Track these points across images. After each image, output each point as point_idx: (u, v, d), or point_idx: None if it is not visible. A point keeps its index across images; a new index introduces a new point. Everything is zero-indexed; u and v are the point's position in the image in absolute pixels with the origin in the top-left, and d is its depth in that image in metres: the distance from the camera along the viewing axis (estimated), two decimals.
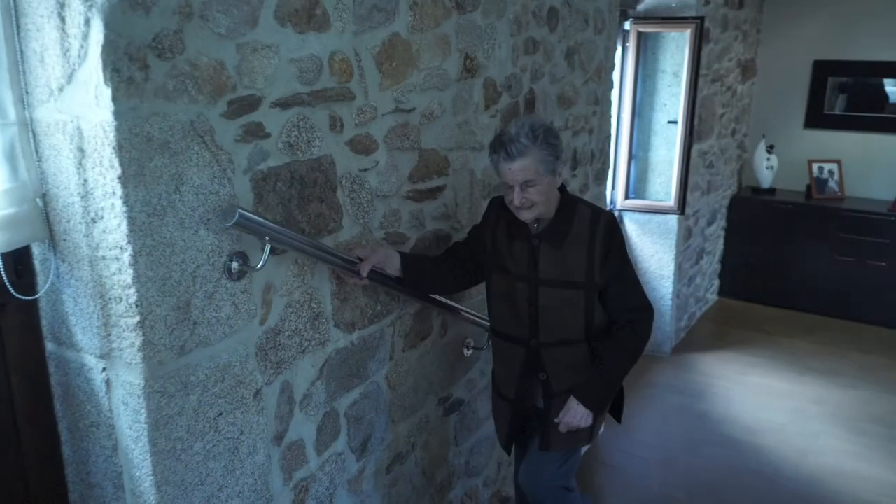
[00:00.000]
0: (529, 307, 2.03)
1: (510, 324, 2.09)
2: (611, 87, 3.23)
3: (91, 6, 1.17)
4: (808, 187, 5.35)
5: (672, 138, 4.28)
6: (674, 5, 4.15)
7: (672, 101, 4.27)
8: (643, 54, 4.22)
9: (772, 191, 5.45)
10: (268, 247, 1.47)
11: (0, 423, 1.45)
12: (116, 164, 1.23)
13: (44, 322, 1.46)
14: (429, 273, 2.02)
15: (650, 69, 4.30)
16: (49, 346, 1.47)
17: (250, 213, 1.43)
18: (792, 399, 4.02)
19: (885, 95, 5.20)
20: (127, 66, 1.22)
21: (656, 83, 4.30)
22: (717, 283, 5.57)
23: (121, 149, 1.23)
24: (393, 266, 1.90)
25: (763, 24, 5.49)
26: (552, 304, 2.01)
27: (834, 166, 5.35)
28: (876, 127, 5.20)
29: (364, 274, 1.76)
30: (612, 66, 3.20)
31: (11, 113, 1.29)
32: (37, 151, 1.33)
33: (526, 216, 1.95)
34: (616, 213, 4.29)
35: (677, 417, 3.82)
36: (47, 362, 1.48)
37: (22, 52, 1.28)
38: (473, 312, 2.35)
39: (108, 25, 1.18)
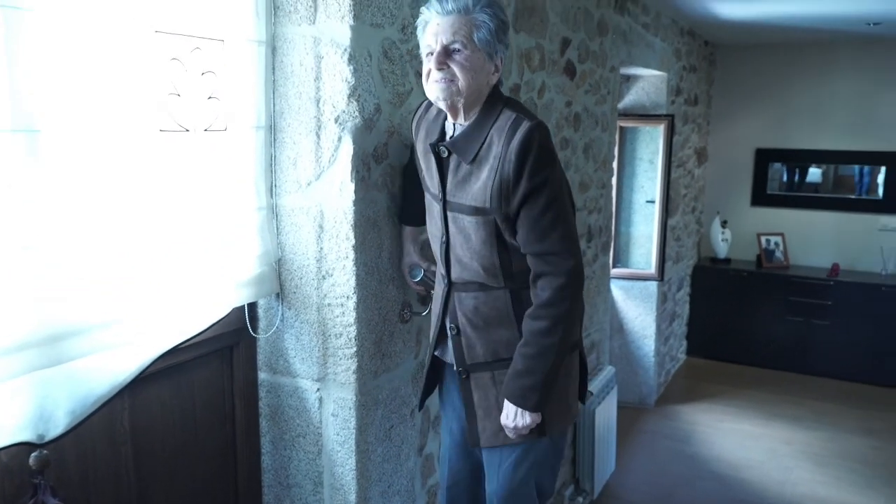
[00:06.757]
0: (441, 235, 1.73)
1: (435, 253, 1.81)
2: (612, 174, 3.88)
3: (343, 128, 1.71)
4: (759, 257, 6.11)
5: (649, 215, 4.97)
6: (647, 104, 4.92)
7: (648, 183, 4.98)
8: (624, 144, 4.94)
9: (727, 260, 6.19)
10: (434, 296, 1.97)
11: (225, 438, 1.88)
12: (352, 236, 1.73)
13: (260, 356, 1.91)
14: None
15: (629, 157, 5.02)
16: (262, 375, 1.92)
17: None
18: (764, 441, 4.61)
19: (810, 178, 6.11)
20: (360, 168, 1.74)
21: (635, 168, 5.02)
22: (685, 343, 6.21)
23: (356, 226, 1.74)
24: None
25: (711, 117, 6.37)
26: (460, 233, 1.68)
27: (779, 238, 6.14)
28: (810, 204, 6.06)
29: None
30: (613, 157, 3.87)
31: (264, 200, 1.79)
32: (277, 228, 1.83)
33: (437, 90, 1.59)
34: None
35: (670, 458, 4.34)
36: (258, 389, 1.93)
37: (275, 157, 1.79)
38: None
39: (355, 141, 1.71)
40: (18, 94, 1.21)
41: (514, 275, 1.69)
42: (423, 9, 1.61)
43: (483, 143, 1.61)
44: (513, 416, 1.69)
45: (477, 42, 1.56)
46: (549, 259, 1.63)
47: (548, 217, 1.61)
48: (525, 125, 1.58)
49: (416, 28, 1.65)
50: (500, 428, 1.75)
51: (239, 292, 1.73)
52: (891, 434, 4.70)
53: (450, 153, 1.66)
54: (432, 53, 1.58)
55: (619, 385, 4.31)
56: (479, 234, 1.65)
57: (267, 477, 1.96)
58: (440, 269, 1.79)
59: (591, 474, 3.52)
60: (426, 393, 1.94)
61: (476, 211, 1.64)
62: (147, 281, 1.48)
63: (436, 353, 1.87)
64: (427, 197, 1.78)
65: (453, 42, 1.55)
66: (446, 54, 1.56)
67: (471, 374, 1.77)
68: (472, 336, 1.75)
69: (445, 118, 1.70)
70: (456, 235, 1.70)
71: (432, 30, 1.57)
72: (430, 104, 1.76)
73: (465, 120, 1.66)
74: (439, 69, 1.56)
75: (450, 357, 1.82)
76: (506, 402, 1.70)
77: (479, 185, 1.62)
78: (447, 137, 1.70)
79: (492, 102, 1.64)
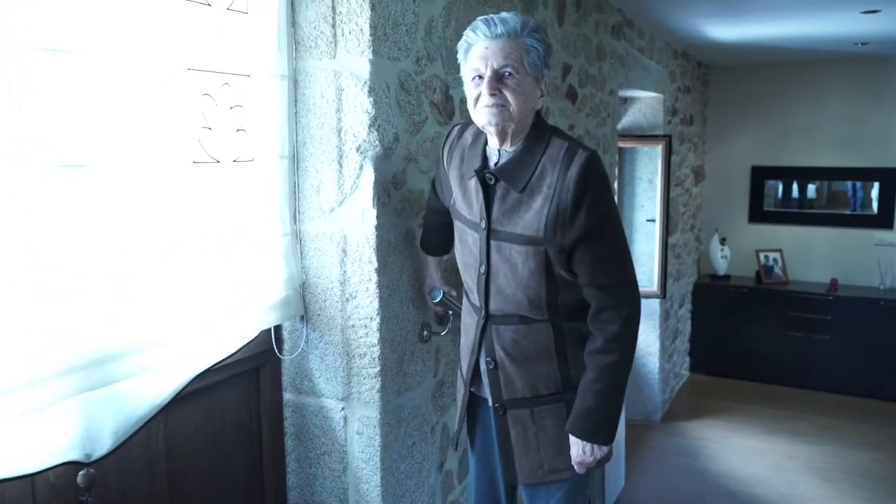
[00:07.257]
0: (480, 265, 1.67)
1: (468, 283, 1.75)
2: (613, 194, 3.97)
3: (364, 157, 1.79)
4: (758, 273, 6.19)
5: (650, 234, 5.06)
6: (644, 125, 5.03)
7: (648, 202, 5.07)
8: (623, 165, 5.04)
9: (727, 277, 6.27)
10: (452, 317, 2.04)
11: (252, 457, 1.94)
12: (374, 260, 1.81)
13: (284, 377, 1.97)
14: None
15: (629, 176, 5.12)
16: (287, 395, 1.98)
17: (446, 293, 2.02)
18: (770, 455, 4.66)
19: (806, 194, 6.21)
20: (381, 194, 1.82)
21: (635, 188, 5.11)
22: (688, 359, 6.27)
23: (378, 250, 1.81)
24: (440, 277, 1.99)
25: (707, 136, 6.49)
26: (505, 262, 1.62)
27: (777, 254, 6.23)
28: (806, 220, 6.15)
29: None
30: (614, 177, 3.96)
31: (288, 227, 1.86)
32: (301, 253, 1.90)
33: (489, 115, 1.54)
34: None
35: (679, 474, 4.39)
36: (283, 408, 1.99)
37: (298, 185, 1.87)
38: None
39: (376, 169, 1.79)
40: (66, 131, 1.28)
41: (557, 307, 1.64)
42: (467, 32, 1.56)
43: (535, 172, 1.57)
44: (589, 452, 1.67)
45: (527, 67, 1.53)
46: (612, 291, 1.60)
47: (611, 250, 1.60)
48: (581, 155, 1.55)
49: (457, 51, 1.62)
50: (539, 465, 1.73)
51: (266, 315, 1.80)
52: (891, 448, 4.76)
53: (497, 180, 1.62)
54: (480, 77, 1.54)
55: (626, 402, 4.36)
56: (528, 265, 1.60)
57: (293, 495, 2.01)
58: (474, 300, 1.73)
59: (601, 491, 3.56)
60: (461, 427, 1.92)
61: (527, 240, 1.58)
62: (182, 305, 1.55)
63: (472, 390, 1.83)
64: (459, 225, 1.74)
65: (504, 66, 1.52)
66: (497, 79, 1.52)
67: (508, 410, 1.73)
68: (511, 370, 1.70)
69: (485, 144, 1.67)
70: (500, 265, 1.63)
71: (479, 53, 1.53)
72: (464, 130, 1.75)
73: (511, 146, 1.62)
74: (492, 94, 1.52)
75: (485, 392, 1.78)
76: (574, 440, 1.67)
77: (531, 215, 1.57)
78: (491, 164, 1.65)
79: (538, 129, 1.61)
